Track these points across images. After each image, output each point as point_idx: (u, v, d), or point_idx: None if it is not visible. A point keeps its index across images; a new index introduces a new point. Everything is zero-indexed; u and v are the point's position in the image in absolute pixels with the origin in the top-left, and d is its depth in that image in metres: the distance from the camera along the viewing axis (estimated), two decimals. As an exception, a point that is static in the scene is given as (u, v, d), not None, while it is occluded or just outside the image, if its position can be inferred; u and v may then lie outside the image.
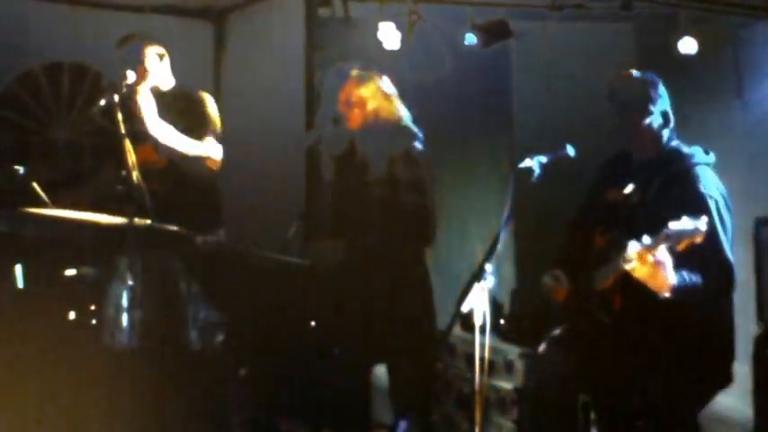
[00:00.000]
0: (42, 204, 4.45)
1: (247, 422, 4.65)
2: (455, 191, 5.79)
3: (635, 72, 3.78)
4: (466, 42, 5.25)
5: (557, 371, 4.40)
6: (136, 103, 4.51)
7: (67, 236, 4.18)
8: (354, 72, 4.79)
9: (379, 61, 4.98)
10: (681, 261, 3.34)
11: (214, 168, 4.75)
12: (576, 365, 3.97)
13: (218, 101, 5.06)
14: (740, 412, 4.55)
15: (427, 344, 4.69)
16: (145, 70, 4.71)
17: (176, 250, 4.38)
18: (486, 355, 3.49)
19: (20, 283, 4.26)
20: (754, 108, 5.13)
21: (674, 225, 3.21)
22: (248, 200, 5.73)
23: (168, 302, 4.41)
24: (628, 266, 3.34)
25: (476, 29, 5.22)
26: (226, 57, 6.50)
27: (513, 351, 4.80)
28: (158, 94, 4.78)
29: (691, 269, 3.41)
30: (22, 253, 4.25)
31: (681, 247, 3.23)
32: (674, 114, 3.74)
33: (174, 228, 4.22)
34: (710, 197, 3.54)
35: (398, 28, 5.19)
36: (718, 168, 3.71)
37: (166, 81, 4.82)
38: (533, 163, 3.68)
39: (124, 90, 4.37)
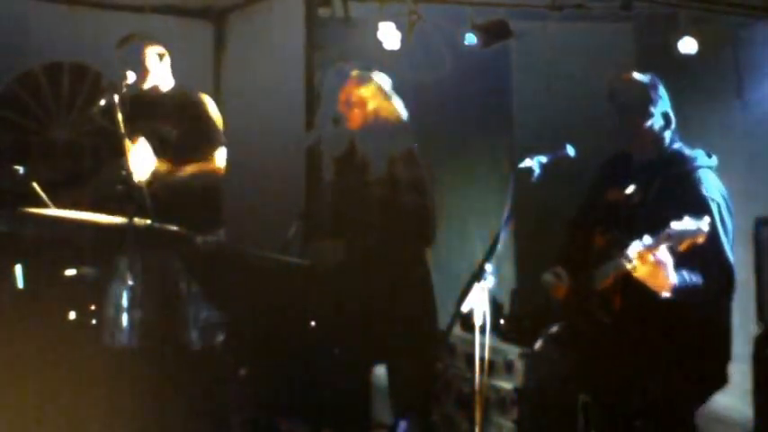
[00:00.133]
0: (42, 204, 4.45)
1: (247, 422, 4.65)
2: (455, 191, 5.79)
3: (635, 74, 3.77)
4: (466, 42, 5.25)
5: (556, 371, 4.40)
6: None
7: (67, 236, 4.17)
8: (354, 72, 4.79)
9: (379, 61, 4.98)
10: (682, 262, 3.34)
11: (220, 175, 4.75)
12: (574, 364, 3.97)
13: (218, 101, 5.07)
14: (740, 412, 4.55)
15: (428, 344, 4.69)
16: (145, 70, 4.71)
17: (176, 250, 4.38)
18: (486, 355, 3.49)
19: (20, 283, 4.26)
20: (754, 108, 5.13)
21: (675, 225, 3.21)
22: (248, 200, 5.73)
23: (168, 302, 4.41)
24: (629, 266, 3.34)
25: (476, 29, 5.22)
26: (226, 57, 6.50)
27: (513, 351, 4.79)
28: (157, 95, 4.79)
29: (691, 270, 3.41)
30: (22, 253, 4.25)
31: (682, 247, 3.24)
32: (675, 115, 3.73)
33: (174, 228, 4.22)
34: (712, 200, 3.54)
35: (398, 28, 5.19)
36: (718, 168, 3.71)
37: (166, 81, 4.82)
38: (533, 163, 3.68)
39: (124, 90, 4.37)
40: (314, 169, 5.37)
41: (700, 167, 3.66)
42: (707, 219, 3.22)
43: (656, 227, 3.27)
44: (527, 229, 5.45)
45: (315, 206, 5.17)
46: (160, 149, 4.67)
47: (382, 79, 4.78)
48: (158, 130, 4.71)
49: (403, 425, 4.77)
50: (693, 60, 5.23)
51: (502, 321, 4.99)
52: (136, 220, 4.00)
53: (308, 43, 5.70)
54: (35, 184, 4.48)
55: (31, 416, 4.11)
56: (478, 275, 3.48)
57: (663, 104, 3.71)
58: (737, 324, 3.79)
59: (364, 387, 4.89)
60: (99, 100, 4.29)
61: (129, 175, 4.06)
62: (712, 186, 3.60)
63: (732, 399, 4.25)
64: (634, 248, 3.31)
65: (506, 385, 4.76)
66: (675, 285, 3.36)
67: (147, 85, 4.75)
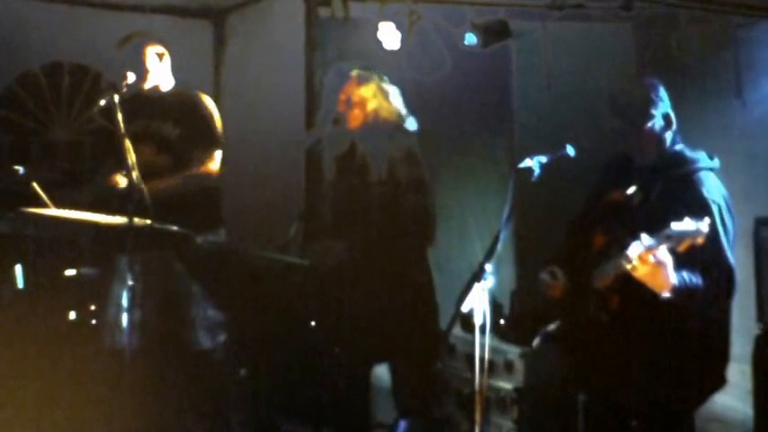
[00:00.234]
0: (42, 204, 4.45)
1: (247, 422, 4.65)
2: (455, 191, 5.79)
3: (635, 76, 3.77)
4: (466, 42, 5.25)
5: (555, 370, 4.40)
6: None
7: (67, 236, 4.17)
8: (355, 72, 4.80)
9: (379, 61, 4.98)
10: (682, 263, 3.35)
11: (213, 177, 4.73)
12: (571, 363, 3.97)
13: (217, 101, 5.07)
14: (740, 412, 4.55)
15: (428, 344, 4.69)
16: (145, 70, 4.71)
17: (176, 250, 4.38)
18: (486, 355, 3.49)
19: (20, 283, 4.26)
20: (754, 108, 5.12)
21: (675, 226, 3.21)
22: (248, 200, 5.74)
23: (168, 302, 4.41)
24: (628, 266, 3.34)
25: (476, 29, 5.22)
26: (226, 57, 6.51)
27: (513, 351, 4.80)
28: (158, 95, 4.79)
29: (692, 271, 3.42)
30: (22, 253, 4.25)
31: (681, 248, 3.24)
32: (674, 115, 3.73)
33: (174, 228, 4.22)
34: (713, 202, 3.54)
35: (398, 28, 5.18)
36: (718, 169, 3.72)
37: (167, 81, 4.82)
38: (533, 163, 3.68)
39: (124, 90, 4.37)
40: (314, 169, 5.37)
41: (701, 169, 3.65)
42: (707, 220, 3.22)
43: (657, 228, 3.27)
44: (527, 229, 5.45)
45: (315, 206, 5.17)
46: (161, 149, 4.68)
47: (382, 79, 4.79)
48: (159, 129, 4.71)
49: (403, 425, 4.77)
50: (693, 60, 5.22)
51: (502, 321, 4.99)
52: (136, 220, 4.00)
53: (308, 43, 5.70)
54: (35, 184, 4.48)
55: (32, 416, 4.11)
56: (478, 275, 3.48)
57: (663, 106, 3.71)
58: (737, 324, 3.79)
59: (364, 387, 4.89)
60: (99, 100, 4.28)
61: (129, 175, 4.06)
62: (713, 188, 3.60)
63: (732, 399, 4.25)
64: (634, 249, 3.31)
65: (506, 385, 4.76)
66: (675, 286, 3.36)
67: (147, 85, 4.75)
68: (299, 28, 5.74)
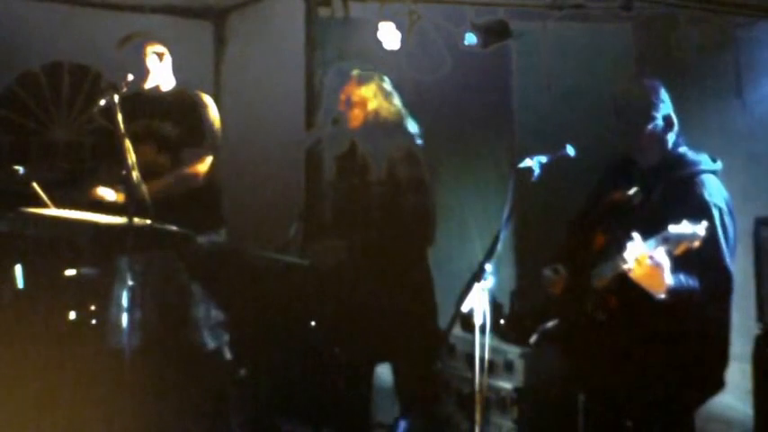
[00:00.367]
0: (42, 204, 4.45)
1: (247, 422, 4.65)
2: (455, 191, 5.79)
3: (636, 77, 3.77)
4: (466, 42, 5.25)
5: (556, 370, 4.40)
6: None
7: (67, 236, 4.17)
8: (355, 72, 4.80)
9: (379, 61, 4.98)
10: (680, 265, 3.34)
11: (199, 179, 4.71)
12: (569, 362, 3.98)
13: (218, 101, 5.06)
14: (740, 412, 4.55)
15: (427, 344, 4.69)
16: (145, 70, 4.71)
17: (176, 250, 4.37)
18: (486, 355, 3.49)
19: (20, 283, 4.26)
20: (754, 108, 5.12)
21: (673, 228, 3.21)
22: (248, 200, 5.74)
23: (168, 302, 4.41)
24: (625, 267, 3.34)
25: (475, 29, 5.22)
26: (226, 57, 6.51)
27: (513, 351, 4.80)
28: (158, 95, 4.79)
29: (689, 274, 3.41)
30: (22, 253, 4.25)
31: (678, 251, 3.24)
32: (674, 115, 3.73)
33: (174, 228, 4.22)
34: (714, 205, 3.53)
35: (398, 28, 5.18)
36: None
37: (167, 81, 4.82)
38: (533, 163, 3.68)
39: (124, 90, 4.37)
40: (314, 169, 5.37)
41: (703, 171, 3.64)
42: (704, 223, 3.21)
43: (657, 229, 3.27)
44: (527, 229, 5.45)
45: (315, 206, 5.17)
46: (161, 149, 4.68)
47: (383, 79, 4.79)
48: (159, 129, 4.71)
49: (403, 425, 4.77)
50: (693, 60, 5.22)
51: (502, 321, 4.99)
52: (136, 220, 4.00)
53: (308, 43, 5.70)
54: (35, 184, 4.48)
55: (32, 416, 4.11)
56: (478, 275, 3.48)
57: (664, 108, 3.70)
58: (737, 324, 3.79)
59: (364, 387, 4.89)
60: (99, 100, 4.28)
61: (129, 175, 4.06)
62: (715, 191, 3.59)
63: (732, 399, 4.25)
64: (631, 250, 3.31)
65: (506, 385, 4.76)
66: (671, 288, 3.35)
67: (147, 85, 4.75)
68: (299, 28, 5.74)
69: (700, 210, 3.45)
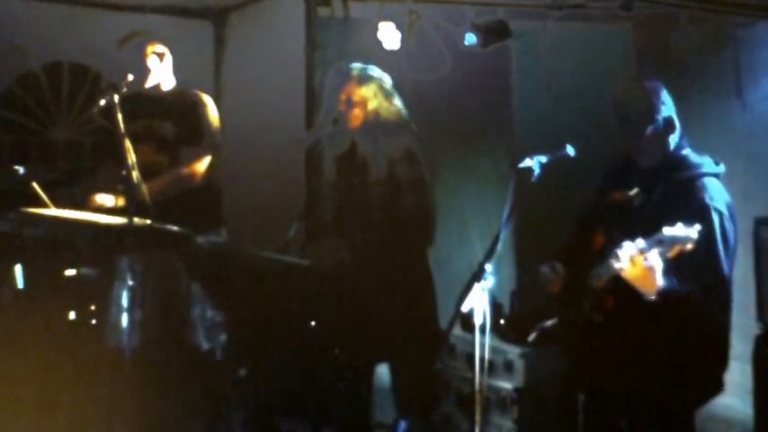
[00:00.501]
0: (42, 204, 4.45)
1: (247, 422, 4.64)
2: (455, 191, 5.79)
3: (637, 79, 3.76)
4: (466, 42, 5.25)
5: (556, 370, 4.40)
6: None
7: (67, 236, 4.17)
8: (355, 71, 4.79)
9: (379, 61, 4.98)
10: (676, 268, 3.34)
11: (196, 179, 4.71)
12: (570, 362, 3.98)
13: (218, 101, 5.06)
14: (740, 412, 4.55)
15: (427, 344, 4.69)
16: (146, 69, 4.71)
17: (176, 250, 4.38)
18: (486, 355, 3.49)
19: (20, 284, 4.25)
20: (754, 108, 5.12)
21: (667, 231, 3.21)
22: (248, 200, 5.73)
23: (168, 302, 4.41)
24: (618, 266, 3.34)
25: (476, 29, 5.22)
26: (226, 57, 6.51)
27: (513, 351, 4.80)
28: (158, 95, 4.79)
29: (684, 277, 3.40)
30: (22, 253, 4.25)
31: (672, 253, 3.23)
32: (677, 117, 3.72)
33: (174, 228, 4.22)
34: (715, 209, 3.52)
35: (398, 28, 5.18)
36: (718, 169, 3.72)
37: (167, 80, 4.82)
38: (533, 163, 3.67)
39: (124, 90, 4.37)
40: (314, 169, 5.37)
41: (705, 174, 3.63)
42: (697, 227, 3.20)
43: (656, 231, 3.26)
44: (527, 229, 5.45)
45: (315, 206, 5.17)
46: (161, 149, 4.68)
47: (383, 78, 4.79)
48: (159, 129, 4.72)
49: (403, 425, 4.77)
50: (693, 60, 5.22)
51: (502, 321, 4.99)
52: (136, 220, 4.00)
53: (308, 43, 5.70)
54: (35, 184, 4.48)
55: (32, 416, 4.11)
56: (478, 275, 3.48)
57: (666, 109, 3.69)
58: (737, 324, 3.79)
59: (364, 387, 4.89)
60: (99, 100, 4.28)
61: (129, 174, 4.06)
62: (716, 194, 3.57)
63: (732, 399, 4.24)
64: (626, 250, 3.31)
65: (506, 385, 4.76)
66: (662, 290, 3.35)
67: (147, 85, 4.75)
68: (299, 28, 5.73)
69: (700, 213, 3.44)
